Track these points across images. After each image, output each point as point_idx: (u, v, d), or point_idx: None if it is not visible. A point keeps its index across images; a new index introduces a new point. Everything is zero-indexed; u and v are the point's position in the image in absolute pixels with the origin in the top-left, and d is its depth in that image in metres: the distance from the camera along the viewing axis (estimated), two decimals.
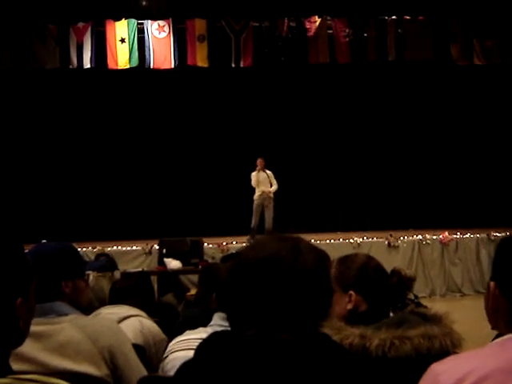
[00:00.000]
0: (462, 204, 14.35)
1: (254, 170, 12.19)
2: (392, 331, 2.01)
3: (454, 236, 11.88)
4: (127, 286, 3.97)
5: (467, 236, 11.98)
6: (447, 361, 1.49)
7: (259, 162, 12.14)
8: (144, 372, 2.36)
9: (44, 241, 2.62)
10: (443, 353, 1.94)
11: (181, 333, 2.59)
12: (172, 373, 2.38)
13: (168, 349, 2.50)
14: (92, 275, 4.00)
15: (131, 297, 4.16)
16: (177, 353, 2.42)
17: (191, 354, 2.34)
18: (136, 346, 2.59)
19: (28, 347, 1.96)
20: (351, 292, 2.32)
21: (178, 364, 2.36)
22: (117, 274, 6.47)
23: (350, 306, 2.30)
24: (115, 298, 3.84)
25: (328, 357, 1.36)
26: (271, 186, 12.21)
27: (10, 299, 1.33)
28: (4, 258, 1.35)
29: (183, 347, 2.42)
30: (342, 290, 2.34)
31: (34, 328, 1.53)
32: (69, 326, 2.14)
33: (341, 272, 2.39)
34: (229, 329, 2.35)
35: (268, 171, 12.19)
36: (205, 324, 2.48)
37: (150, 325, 3.59)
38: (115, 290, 3.94)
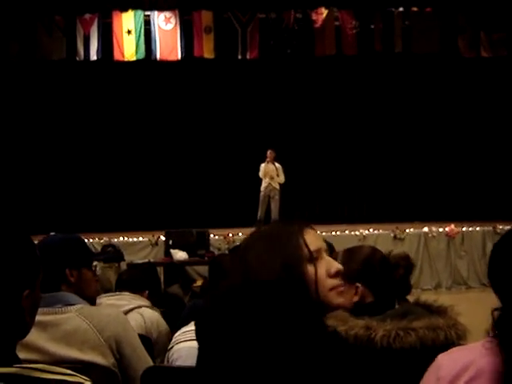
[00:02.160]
0: (468, 196, 14.32)
1: (262, 162, 12.21)
2: (397, 322, 2.02)
3: (460, 229, 11.86)
4: (133, 276, 3.99)
5: (473, 229, 11.95)
6: (451, 352, 1.50)
7: (269, 153, 12.17)
8: (150, 362, 2.38)
9: (52, 233, 2.62)
10: (448, 344, 1.94)
11: (186, 323, 2.60)
12: (178, 363, 2.40)
13: (173, 339, 2.52)
14: (99, 266, 4.00)
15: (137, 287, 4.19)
16: (182, 343, 2.44)
17: (195, 344, 2.36)
18: (142, 336, 2.61)
19: (35, 336, 1.98)
20: (358, 284, 2.33)
21: (183, 354, 2.39)
22: (123, 265, 6.53)
23: (356, 298, 2.31)
24: (121, 289, 3.86)
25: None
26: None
27: (17, 291, 1.34)
28: (12, 250, 1.36)
29: (188, 338, 2.43)
30: (348, 281, 2.35)
31: (40, 317, 1.54)
32: (75, 316, 2.15)
33: (345, 264, 2.39)
34: None
35: (277, 164, 12.21)
36: None
37: (151, 315, 3.59)
38: (121, 280, 3.96)
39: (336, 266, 1.60)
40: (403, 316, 2.06)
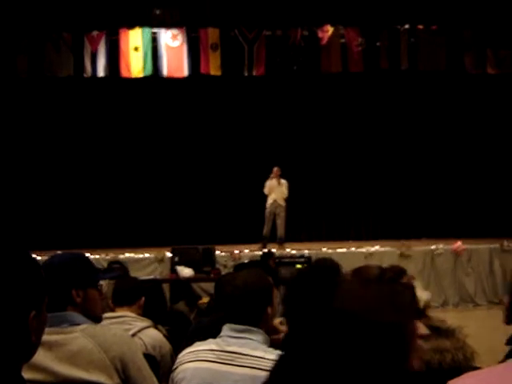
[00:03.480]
0: (475, 213, 14.27)
1: (268, 179, 12.22)
2: None
3: (467, 246, 11.81)
4: (126, 288, 3.96)
5: (480, 246, 11.90)
6: (461, 380, 1.47)
7: (275, 170, 12.17)
8: (156, 382, 2.37)
9: (58, 252, 2.62)
10: (455, 367, 1.93)
11: (192, 342, 2.59)
12: (183, 383, 2.39)
13: (178, 360, 2.51)
14: (105, 283, 4.01)
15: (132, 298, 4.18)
16: (186, 364, 2.43)
17: (200, 365, 2.37)
18: (148, 356, 2.61)
19: (40, 356, 1.98)
20: None
21: (188, 375, 2.39)
22: None
23: None
24: (118, 304, 3.87)
25: None
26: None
27: (24, 312, 1.34)
28: (18, 271, 1.36)
29: (192, 359, 2.43)
30: None
31: (46, 337, 1.54)
32: (81, 336, 2.15)
33: None
34: (239, 339, 2.37)
35: (283, 180, 12.20)
36: (216, 334, 2.49)
37: (153, 338, 3.60)
38: (117, 295, 3.94)
39: (423, 327, 1.62)
40: None
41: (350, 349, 1.21)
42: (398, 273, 2.61)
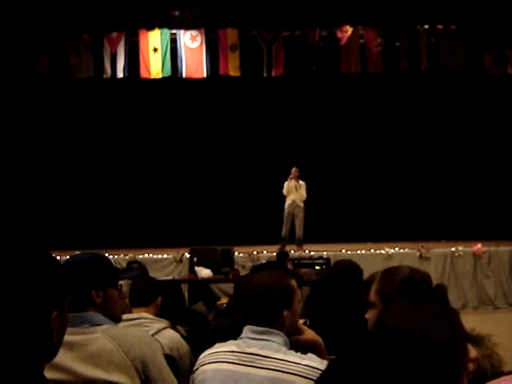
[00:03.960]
0: (495, 215, 14.16)
1: (286, 179, 12.20)
2: None
3: (487, 248, 11.70)
4: (143, 288, 3.98)
5: (500, 248, 11.79)
6: (498, 381, 1.45)
7: (293, 171, 12.14)
8: (176, 383, 2.37)
9: (78, 252, 2.62)
10: (481, 375, 1.90)
11: (211, 344, 2.59)
12: None
13: (198, 361, 2.50)
14: (124, 283, 4.02)
15: (162, 306, 4.21)
16: (207, 365, 2.42)
17: (221, 366, 2.36)
18: (167, 357, 2.60)
19: (61, 357, 1.98)
20: (372, 291, 2.30)
21: (208, 376, 2.38)
22: None
23: None
24: (135, 305, 3.88)
25: None
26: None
27: (46, 312, 1.35)
28: (41, 272, 1.37)
29: (213, 360, 2.42)
30: (383, 303, 2.32)
31: (67, 337, 1.54)
32: (102, 336, 2.16)
33: (383, 286, 2.37)
34: (260, 341, 2.36)
35: (301, 181, 12.17)
36: (235, 336, 2.48)
37: (170, 339, 3.61)
38: (134, 296, 3.95)
39: (473, 352, 1.61)
40: None
41: (404, 368, 1.19)
42: (426, 276, 2.58)
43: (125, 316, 3.48)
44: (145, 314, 3.70)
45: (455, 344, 1.35)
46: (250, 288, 2.52)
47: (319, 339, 2.69)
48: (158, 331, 3.55)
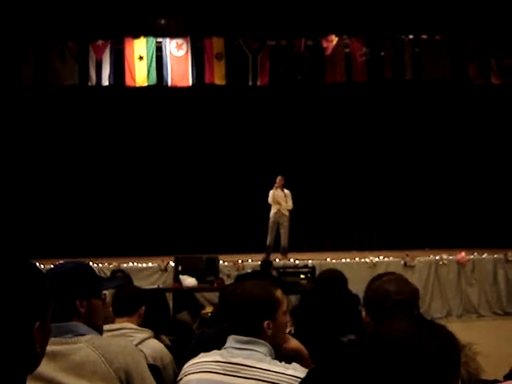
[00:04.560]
0: (479, 224, 14.24)
1: (271, 188, 12.21)
2: None
3: (471, 256, 11.77)
4: (126, 297, 3.95)
5: (484, 256, 11.86)
6: None
7: (278, 179, 12.16)
8: None
9: (61, 261, 2.61)
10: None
11: (196, 353, 2.58)
12: None
13: (182, 371, 2.49)
14: (108, 293, 4.00)
15: (146, 315, 4.19)
16: (191, 375, 2.41)
17: (205, 376, 2.35)
18: (151, 366, 2.59)
19: (44, 367, 1.96)
20: (363, 311, 2.36)
21: None
22: None
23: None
24: (119, 314, 3.87)
25: None
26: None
27: (29, 323, 1.34)
28: (23, 282, 1.36)
29: (197, 370, 2.41)
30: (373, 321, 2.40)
31: (50, 348, 1.53)
32: (85, 346, 2.14)
33: (365, 292, 2.46)
34: (244, 351, 2.36)
35: (286, 190, 12.19)
36: (220, 345, 2.47)
37: (154, 349, 3.61)
38: (117, 305, 3.93)
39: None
40: None
41: (392, 372, 1.22)
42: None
43: (107, 326, 3.47)
44: (128, 324, 3.68)
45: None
46: (234, 297, 2.52)
47: (303, 348, 2.70)
48: (142, 341, 3.54)
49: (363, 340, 1.41)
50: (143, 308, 3.92)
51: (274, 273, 9.60)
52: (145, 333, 3.67)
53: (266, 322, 2.42)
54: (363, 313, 2.41)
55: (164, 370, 3.56)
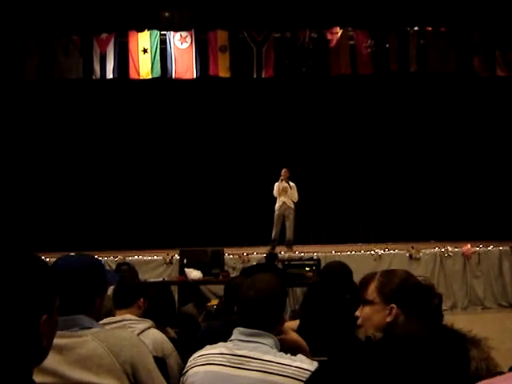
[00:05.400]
0: (485, 216, 14.21)
1: (277, 180, 12.20)
2: None
3: (477, 248, 11.75)
4: (124, 289, 3.99)
5: (490, 248, 11.83)
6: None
7: (284, 172, 12.14)
8: None
9: (72, 253, 2.60)
10: (477, 376, 1.90)
11: (202, 346, 2.58)
12: None
13: (188, 363, 2.49)
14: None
15: (152, 307, 4.22)
16: (196, 368, 2.42)
17: (211, 368, 2.36)
18: (156, 359, 2.59)
19: (50, 360, 1.96)
20: (393, 305, 2.35)
21: (198, 378, 2.37)
22: None
23: (389, 319, 2.32)
24: (119, 307, 3.93)
25: None
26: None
27: (35, 316, 1.34)
28: (30, 276, 1.36)
29: (203, 362, 2.41)
30: (383, 301, 2.38)
31: (56, 341, 1.54)
32: (91, 339, 2.14)
33: (383, 283, 2.43)
34: (250, 343, 2.36)
35: (291, 183, 12.17)
36: (226, 338, 2.47)
37: (155, 339, 3.64)
38: (116, 298, 3.98)
39: None
40: None
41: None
42: (426, 282, 2.67)
43: (108, 319, 3.50)
44: (128, 316, 3.71)
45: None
46: (247, 292, 2.51)
47: (301, 340, 2.71)
48: (142, 332, 3.56)
49: (380, 339, 1.42)
50: (142, 300, 3.96)
51: (279, 265, 9.61)
52: (145, 323, 3.70)
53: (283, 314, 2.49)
54: (394, 309, 2.39)
55: (166, 360, 3.59)
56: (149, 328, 3.68)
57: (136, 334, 3.40)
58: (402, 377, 1.27)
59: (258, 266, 9.18)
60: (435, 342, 1.37)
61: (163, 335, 3.79)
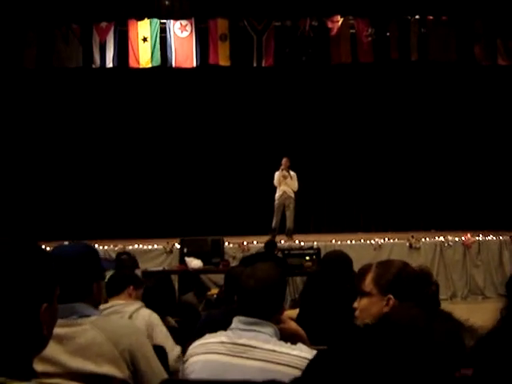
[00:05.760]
0: (485, 206, 14.21)
1: (277, 170, 12.19)
2: None
3: (477, 238, 11.75)
4: (148, 285, 4.10)
5: (490, 238, 11.84)
6: None
7: (284, 161, 12.13)
8: (164, 374, 2.37)
9: (66, 242, 2.63)
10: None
11: (201, 334, 2.58)
12: (192, 376, 2.39)
13: (188, 352, 2.50)
14: (108, 274, 4.14)
15: (152, 296, 4.26)
16: (196, 356, 2.42)
17: (211, 357, 2.36)
18: (156, 347, 2.60)
19: (51, 350, 1.97)
20: (390, 296, 2.35)
21: (198, 367, 2.38)
22: (138, 273, 6.54)
23: (386, 309, 2.33)
24: (110, 296, 4.04)
25: None
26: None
27: (36, 305, 1.34)
28: (30, 264, 1.36)
29: (203, 351, 2.42)
30: (380, 292, 2.38)
31: (56, 330, 1.54)
32: (90, 328, 2.15)
33: (379, 274, 2.43)
34: (250, 332, 2.37)
35: (292, 172, 12.17)
36: (226, 327, 2.48)
37: (143, 319, 3.78)
38: (108, 288, 4.08)
39: None
40: None
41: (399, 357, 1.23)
42: (422, 270, 2.67)
43: (100, 306, 3.57)
44: (117, 301, 3.87)
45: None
46: (250, 279, 2.51)
47: (300, 329, 2.73)
48: (131, 314, 3.66)
49: (376, 324, 1.42)
50: (131, 287, 4.07)
51: (279, 254, 9.62)
52: (135, 305, 3.84)
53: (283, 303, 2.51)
54: (391, 300, 2.40)
55: (156, 328, 3.78)
56: (139, 309, 3.82)
57: (127, 316, 3.52)
58: (397, 361, 1.27)
59: (258, 255, 9.20)
60: (431, 326, 1.38)
61: (150, 311, 3.93)
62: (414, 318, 1.41)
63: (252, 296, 2.45)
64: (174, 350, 3.74)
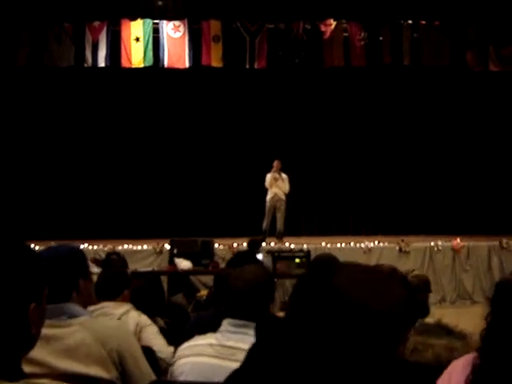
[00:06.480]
0: (474, 211, 14.26)
1: (268, 172, 12.19)
2: (415, 337, 2.03)
3: (466, 243, 11.80)
4: (108, 283, 3.97)
5: (479, 243, 11.89)
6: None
7: (276, 163, 12.15)
8: (152, 375, 2.36)
9: (52, 243, 2.66)
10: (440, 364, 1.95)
11: (191, 336, 2.58)
12: (181, 378, 2.38)
13: (177, 354, 2.50)
14: (96, 275, 4.06)
15: (141, 297, 4.23)
16: (185, 358, 2.42)
17: (199, 359, 2.36)
18: (144, 348, 2.59)
19: (38, 350, 1.95)
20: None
21: (186, 369, 2.37)
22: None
23: None
24: (102, 298, 3.94)
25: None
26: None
27: (24, 305, 1.34)
28: (18, 263, 1.36)
29: (192, 353, 2.41)
30: None
31: (44, 331, 1.53)
32: (79, 329, 2.14)
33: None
34: (238, 334, 2.36)
35: (283, 174, 12.18)
36: (215, 328, 2.47)
37: (132, 322, 3.72)
38: (99, 289, 3.96)
39: None
40: (421, 332, 2.08)
41: (341, 330, 1.20)
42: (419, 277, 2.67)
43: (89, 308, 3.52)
44: (107, 303, 3.74)
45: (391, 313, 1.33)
46: (238, 281, 2.51)
47: None
48: (120, 317, 3.62)
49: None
50: (126, 292, 3.96)
51: (268, 256, 9.63)
52: (124, 307, 3.77)
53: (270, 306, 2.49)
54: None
55: (146, 329, 3.73)
56: (128, 311, 3.76)
57: (116, 318, 3.49)
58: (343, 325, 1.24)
59: (240, 255, 9.20)
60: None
61: (138, 313, 3.87)
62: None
63: (240, 297, 2.45)
64: (168, 346, 3.73)
